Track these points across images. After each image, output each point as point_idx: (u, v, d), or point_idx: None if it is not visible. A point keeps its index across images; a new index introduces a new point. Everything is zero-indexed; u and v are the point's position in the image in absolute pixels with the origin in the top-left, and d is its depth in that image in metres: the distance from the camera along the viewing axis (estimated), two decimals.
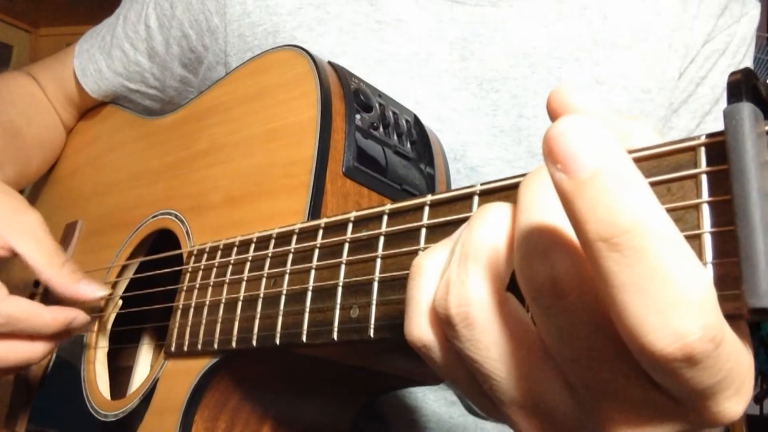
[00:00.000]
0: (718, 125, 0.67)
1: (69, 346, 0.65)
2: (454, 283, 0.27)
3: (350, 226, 0.38)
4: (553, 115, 0.27)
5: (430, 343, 0.29)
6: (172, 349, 0.49)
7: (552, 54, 0.63)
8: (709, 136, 0.25)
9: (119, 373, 0.66)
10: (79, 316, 0.55)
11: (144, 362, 0.67)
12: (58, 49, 0.86)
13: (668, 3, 0.66)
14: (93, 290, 0.56)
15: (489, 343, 0.26)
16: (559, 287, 0.24)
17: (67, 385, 0.62)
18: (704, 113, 0.67)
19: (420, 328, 0.29)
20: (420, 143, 0.55)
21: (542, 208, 0.24)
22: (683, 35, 0.65)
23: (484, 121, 0.63)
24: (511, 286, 0.27)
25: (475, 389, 0.29)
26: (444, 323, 0.27)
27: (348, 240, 0.38)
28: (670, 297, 0.21)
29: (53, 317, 0.54)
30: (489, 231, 0.27)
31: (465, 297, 0.26)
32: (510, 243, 0.26)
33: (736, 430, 2.00)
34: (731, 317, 0.23)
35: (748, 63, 0.68)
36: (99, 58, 0.79)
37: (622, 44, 0.64)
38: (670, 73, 0.65)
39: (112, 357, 0.67)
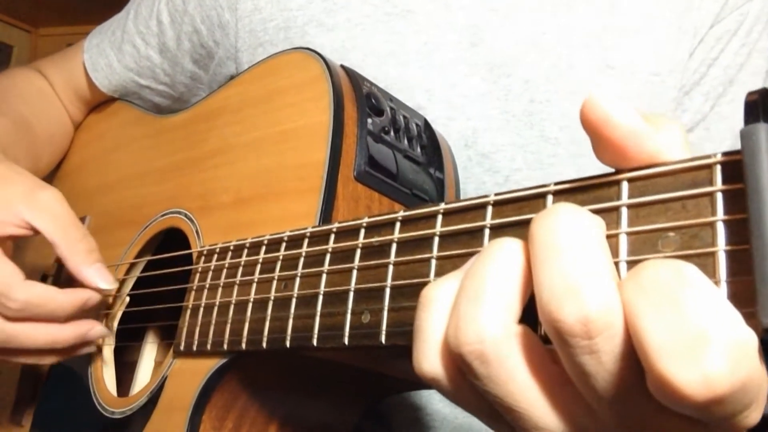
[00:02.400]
0: (734, 108, 0.65)
1: None
2: (465, 319, 0.27)
3: (362, 231, 0.39)
4: (588, 127, 0.27)
5: (442, 378, 0.29)
6: (182, 348, 0.49)
7: (561, 41, 0.63)
8: (726, 154, 0.25)
9: (121, 369, 0.67)
10: (92, 297, 0.56)
11: (148, 359, 0.68)
12: (58, 49, 0.87)
13: None
14: (99, 279, 0.56)
15: (507, 378, 0.26)
16: (592, 326, 0.24)
17: (74, 380, 0.63)
18: (718, 95, 0.65)
19: (430, 363, 0.29)
20: (430, 147, 0.55)
21: (565, 248, 0.25)
22: (692, 15, 0.64)
23: (495, 105, 0.63)
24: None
25: (495, 418, 0.29)
26: (458, 360, 0.27)
27: (360, 245, 0.38)
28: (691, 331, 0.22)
29: (68, 300, 0.54)
30: (499, 268, 0.27)
31: (477, 334, 0.26)
32: (524, 279, 0.27)
33: None
34: None
35: (766, 42, 0.66)
36: (109, 53, 0.79)
37: (631, 29, 0.64)
38: (680, 55, 0.64)
39: (116, 353, 0.67)
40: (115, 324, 0.64)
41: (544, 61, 0.63)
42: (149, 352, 0.69)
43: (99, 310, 0.63)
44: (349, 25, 0.65)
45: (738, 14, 0.64)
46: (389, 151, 0.50)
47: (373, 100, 0.50)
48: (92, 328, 0.56)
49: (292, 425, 0.51)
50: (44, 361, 0.56)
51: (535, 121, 0.63)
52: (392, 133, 0.51)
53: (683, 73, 0.64)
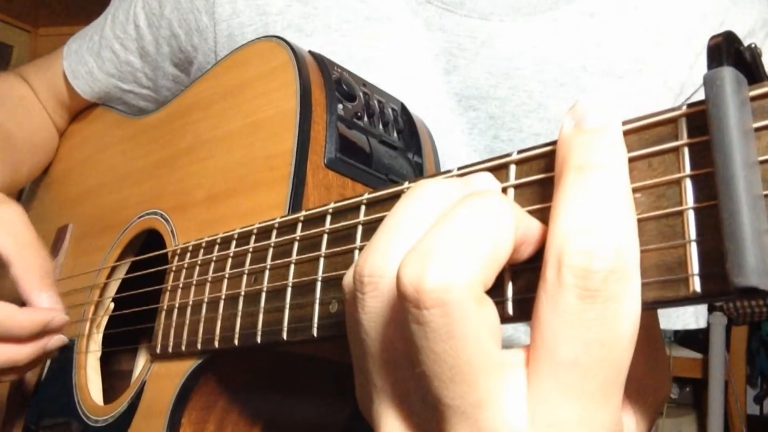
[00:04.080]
0: None
1: (61, 352, 0.64)
2: (444, 255, 0.23)
3: (329, 217, 0.37)
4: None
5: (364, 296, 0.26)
6: (158, 350, 0.48)
7: (535, 77, 0.60)
8: (691, 105, 0.24)
9: (120, 378, 0.65)
10: (56, 317, 0.53)
11: (142, 365, 0.66)
12: None
13: (672, 34, 0.61)
14: (49, 309, 0.53)
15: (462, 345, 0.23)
16: None
17: (60, 391, 0.61)
18: None
19: (381, 263, 0.25)
20: (407, 132, 0.53)
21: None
22: (681, 73, 0.61)
23: (459, 138, 0.61)
24: None
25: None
26: (413, 298, 0.23)
27: (327, 231, 0.37)
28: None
29: (29, 319, 0.51)
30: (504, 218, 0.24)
31: (454, 279, 0.22)
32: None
33: (736, 430, 1.96)
34: (712, 298, 0.21)
35: None
36: (89, 60, 0.78)
37: (614, 73, 0.61)
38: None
39: (113, 361, 0.66)
40: (101, 330, 0.63)
41: (514, 97, 0.61)
42: (143, 356, 0.67)
43: (60, 330, 0.60)
44: (328, 30, 0.63)
45: None
46: (362, 137, 0.48)
47: (344, 86, 0.49)
48: (50, 339, 0.53)
49: (278, 426, 0.49)
50: (4, 379, 0.54)
51: None
52: (366, 118, 0.49)
53: None
